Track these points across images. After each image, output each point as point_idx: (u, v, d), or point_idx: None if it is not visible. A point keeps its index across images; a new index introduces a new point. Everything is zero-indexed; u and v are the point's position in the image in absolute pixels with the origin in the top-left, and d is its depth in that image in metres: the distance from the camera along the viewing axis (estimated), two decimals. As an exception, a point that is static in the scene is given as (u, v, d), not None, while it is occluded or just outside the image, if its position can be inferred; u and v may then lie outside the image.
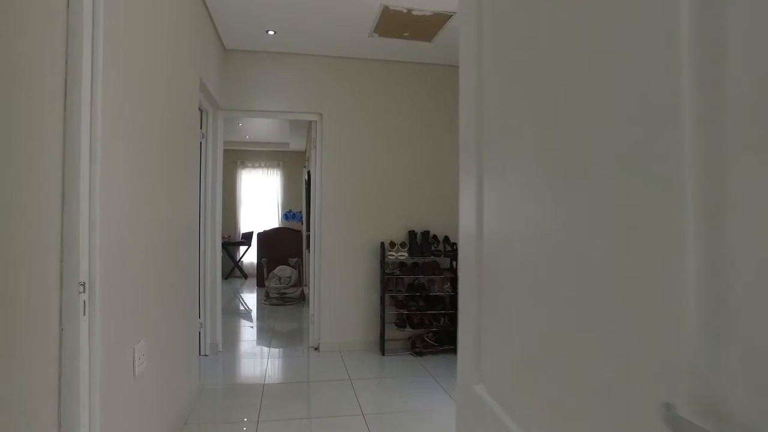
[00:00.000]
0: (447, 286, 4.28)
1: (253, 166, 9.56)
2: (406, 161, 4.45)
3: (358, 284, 4.35)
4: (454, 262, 4.30)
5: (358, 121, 4.37)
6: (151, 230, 2.17)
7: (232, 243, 9.20)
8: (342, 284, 4.31)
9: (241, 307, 7.11)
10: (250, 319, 6.31)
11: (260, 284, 7.98)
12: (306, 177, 7.08)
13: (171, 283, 2.56)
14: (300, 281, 7.18)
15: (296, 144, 8.98)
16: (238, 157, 9.47)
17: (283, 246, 8.11)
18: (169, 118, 2.44)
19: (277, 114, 4.34)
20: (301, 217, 9.27)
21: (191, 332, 3.07)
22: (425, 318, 4.27)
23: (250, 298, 7.67)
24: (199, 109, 3.99)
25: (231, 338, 4.82)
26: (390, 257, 4.18)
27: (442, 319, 4.27)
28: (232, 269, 9.18)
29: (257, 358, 4.15)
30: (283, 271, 6.97)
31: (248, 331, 5.37)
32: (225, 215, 9.95)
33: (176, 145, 2.62)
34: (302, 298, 6.99)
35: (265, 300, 6.85)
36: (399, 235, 4.40)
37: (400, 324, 4.23)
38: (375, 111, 4.40)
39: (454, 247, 4.28)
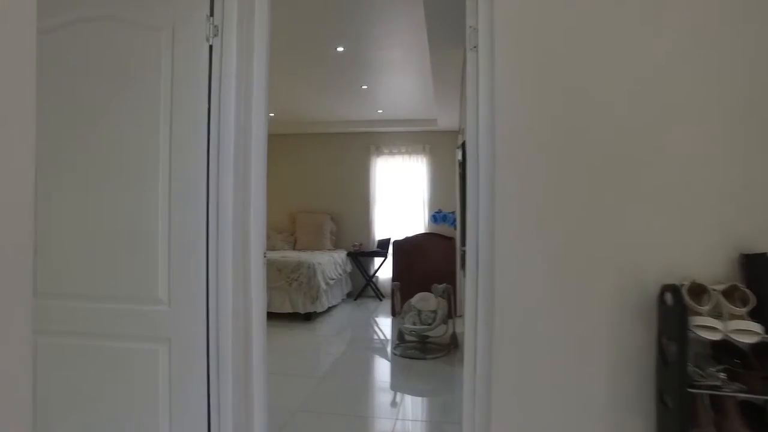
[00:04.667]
0: None
1: (391, 153, 7.34)
2: (712, 83, 1.61)
3: (595, 390, 1.65)
4: None
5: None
6: None
7: (364, 253, 7.09)
8: (548, 382, 1.66)
9: (375, 336, 4.95)
10: (385, 356, 4.24)
11: (394, 313, 5.69)
12: (460, 157, 4.59)
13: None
14: (451, 313, 4.68)
15: (446, 120, 6.55)
16: (371, 140, 7.34)
17: (428, 261, 5.69)
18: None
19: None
20: (454, 220, 6.76)
21: None
22: None
23: (385, 325, 5.50)
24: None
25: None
26: (698, 329, 1.42)
27: None
28: (364, 287, 7.07)
29: None
30: (425, 301, 4.52)
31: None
32: (356, 216, 7.88)
33: None
34: (454, 345, 4.48)
35: (396, 345, 4.48)
36: (710, 263, 1.59)
37: None
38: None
39: None
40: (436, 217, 7.22)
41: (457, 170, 5.12)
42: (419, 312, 4.46)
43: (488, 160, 1.65)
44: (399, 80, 5.11)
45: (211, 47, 1.76)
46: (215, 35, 1.76)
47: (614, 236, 1.61)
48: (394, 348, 4.45)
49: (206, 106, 1.75)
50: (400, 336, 4.57)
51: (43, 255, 1.78)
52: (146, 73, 1.75)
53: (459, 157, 4.63)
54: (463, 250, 2.88)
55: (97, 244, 1.76)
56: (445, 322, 4.42)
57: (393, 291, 5.22)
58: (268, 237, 7.13)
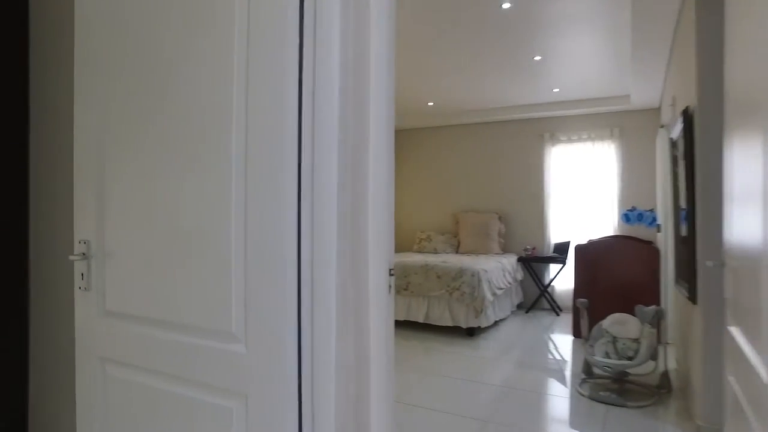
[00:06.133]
0: None
1: (570, 140, 6.18)
2: None
3: None
4: None
5: None
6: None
7: (538, 258, 6.09)
8: None
9: (551, 358, 4.09)
10: (565, 390, 3.40)
11: (576, 333, 4.64)
12: (674, 135, 3.41)
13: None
14: (658, 343, 3.51)
15: (643, 95, 5.24)
16: (544, 127, 6.28)
17: (619, 271, 4.53)
18: None
19: None
20: (653, 219, 5.37)
21: None
22: None
23: (563, 345, 4.55)
24: None
25: None
26: None
27: None
28: (538, 298, 6.06)
29: None
30: (623, 326, 3.44)
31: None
32: (528, 216, 6.56)
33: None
34: (665, 389, 3.32)
35: (582, 381, 3.49)
36: None
37: None
38: None
39: None
40: (629, 216, 5.85)
41: (668, 154, 3.87)
42: (614, 339, 3.40)
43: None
44: (582, 45, 4.06)
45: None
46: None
47: None
48: (579, 384, 3.46)
49: (297, 57, 1.16)
50: (586, 368, 3.56)
51: (112, 266, 1.40)
52: (216, 19, 1.24)
53: (673, 134, 3.43)
54: (708, 265, 1.88)
55: (164, 254, 1.30)
56: (654, 357, 3.29)
57: (578, 310, 4.20)
58: (429, 239, 6.58)
